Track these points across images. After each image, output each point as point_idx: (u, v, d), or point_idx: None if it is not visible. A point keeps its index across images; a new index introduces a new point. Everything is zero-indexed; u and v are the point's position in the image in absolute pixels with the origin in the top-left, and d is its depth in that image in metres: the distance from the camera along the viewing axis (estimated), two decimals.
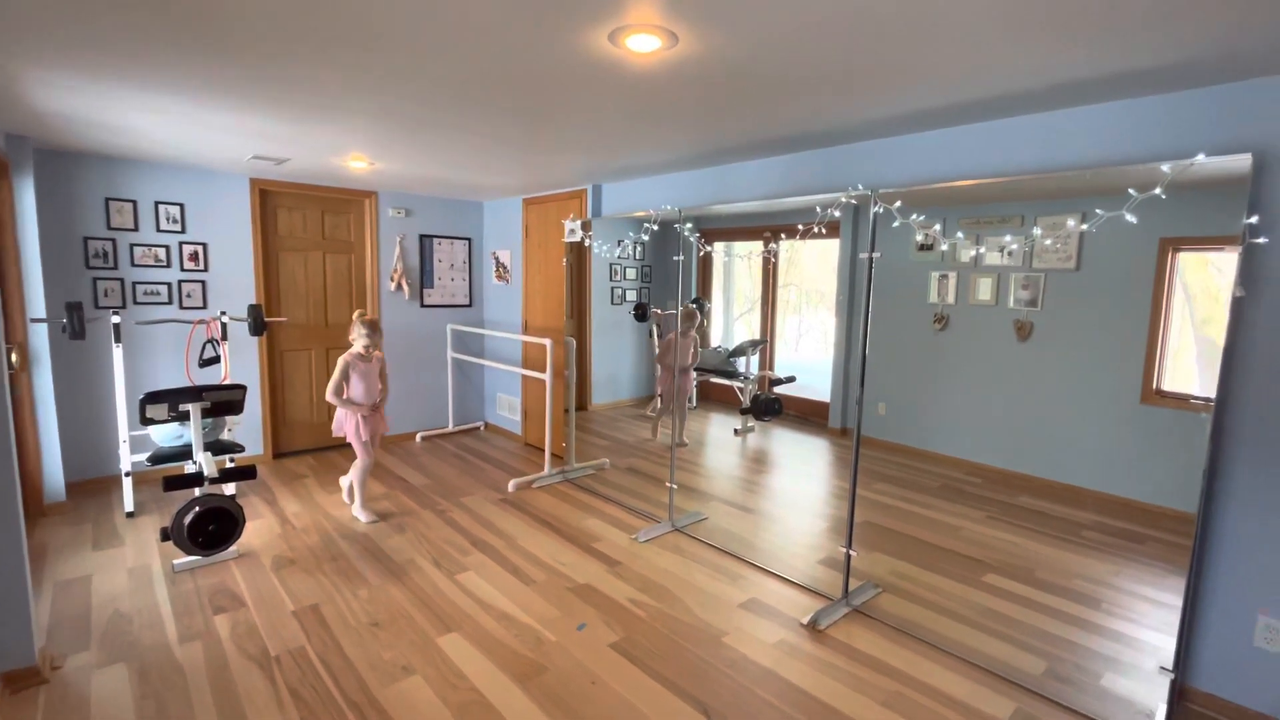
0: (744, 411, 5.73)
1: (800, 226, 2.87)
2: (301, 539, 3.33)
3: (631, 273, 5.40)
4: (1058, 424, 4.17)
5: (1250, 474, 2.00)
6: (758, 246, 5.30)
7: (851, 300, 5.29)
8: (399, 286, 5.10)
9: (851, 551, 2.76)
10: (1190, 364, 3.48)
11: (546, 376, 4.25)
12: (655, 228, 3.55)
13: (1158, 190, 1.85)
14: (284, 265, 4.63)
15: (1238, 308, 1.86)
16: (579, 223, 4.07)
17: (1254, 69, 1.86)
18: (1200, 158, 1.78)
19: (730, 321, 6.83)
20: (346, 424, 3.48)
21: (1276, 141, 1.84)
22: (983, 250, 4.57)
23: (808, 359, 6.03)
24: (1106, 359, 4.04)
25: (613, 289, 5.36)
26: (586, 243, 4.08)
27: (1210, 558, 2.06)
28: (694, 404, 6.01)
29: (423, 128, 2.83)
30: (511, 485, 4.14)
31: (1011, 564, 3.28)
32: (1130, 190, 1.90)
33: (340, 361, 3.39)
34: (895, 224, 2.45)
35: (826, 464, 4.92)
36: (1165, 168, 1.84)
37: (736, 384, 5.76)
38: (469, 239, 5.54)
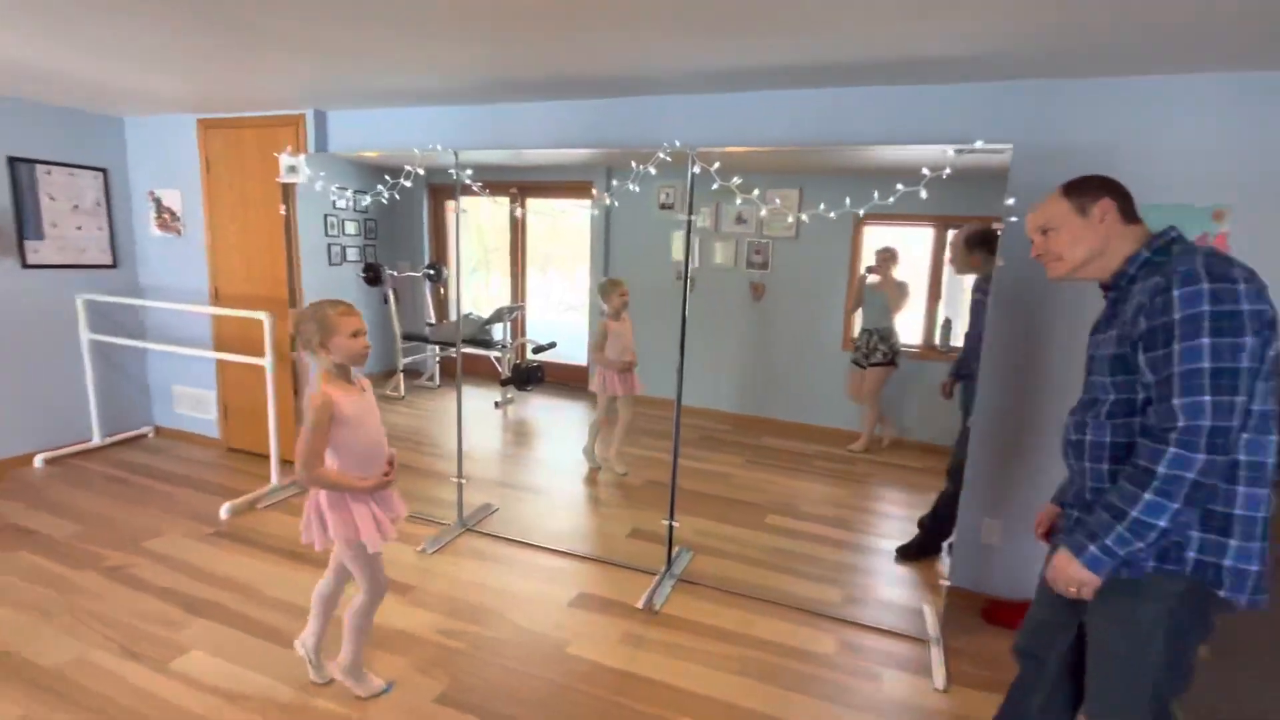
0: (505, 382, 5.33)
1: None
2: None
3: (352, 227, 4.46)
4: (786, 371, 4.80)
5: (988, 414, 2.48)
6: (503, 203, 4.87)
7: (607, 262, 5.26)
8: None
9: (674, 523, 2.72)
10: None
11: (266, 361, 3.24)
12: (420, 172, 2.88)
13: (941, 171, 2.08)
14: None
15: (998, 275, 2.23)
16: (300, 159, 3.11)
17: (1017, 71, 2.21)
18: (979, 144, 2.04)
19: (475, 285, 6.26)
20: None
21: (1031, 136, 2.23)
22: (738, 209, 4.94)
23: (561, 323, 5.88)
24: (819, 313, 4.78)
25: (329, 246, 4.36)
26: (319, 187, 3.15)
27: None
28: (436, 382, 5.39)
29: None
30: (224, 510, 3.09)
31: (780, 502, 3.67)
32: (924, 170, 2.11)
33: None
34: (714, 186, 2.36)
35: (587, 428, 4.87)
36: (950, 151, 2.08)
37: (494, 353, 5.32)
38: (103, 170, 3.86)
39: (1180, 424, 1.06)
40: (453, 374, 6.19)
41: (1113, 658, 1.24)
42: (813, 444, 4.50)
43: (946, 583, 2.39)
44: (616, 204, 2.67)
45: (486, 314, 5.26)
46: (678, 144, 2.39)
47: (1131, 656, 1.21)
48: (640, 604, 2.49)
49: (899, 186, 2.15)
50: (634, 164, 2.45)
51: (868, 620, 2.47)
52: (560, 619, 2.39)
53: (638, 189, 2.48)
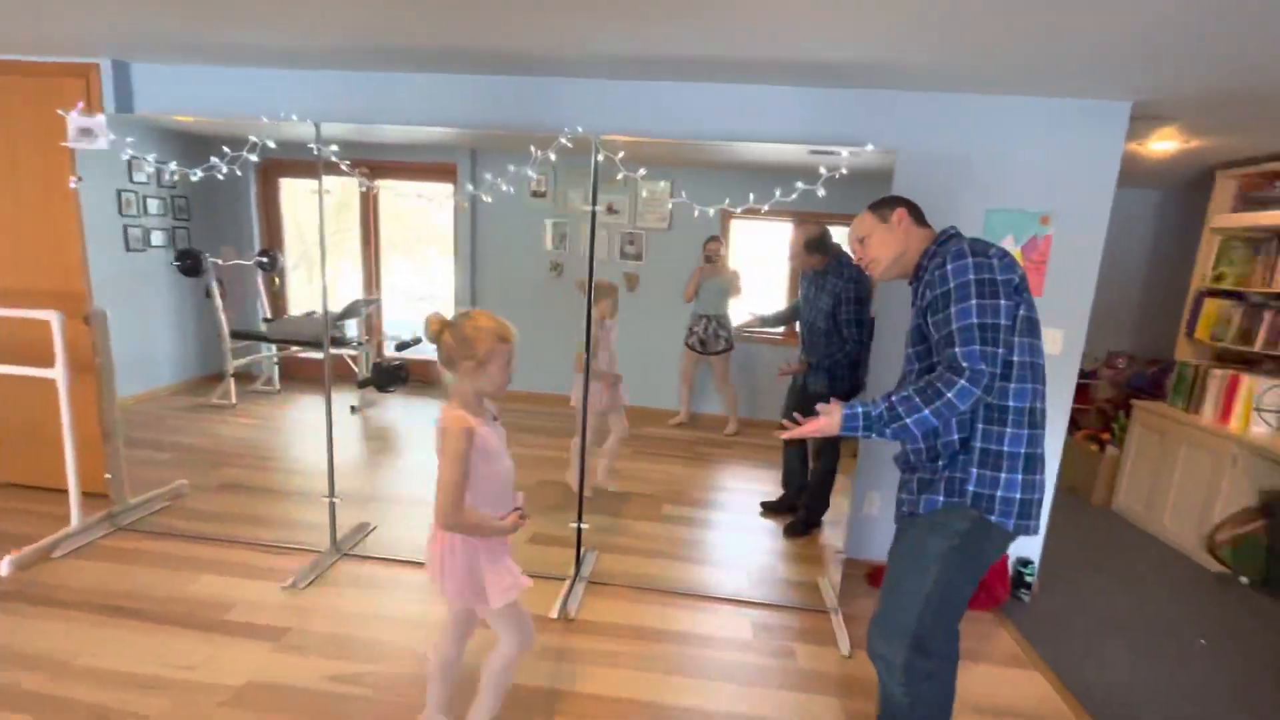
0: (363, 384, 4.83)
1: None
2: None
3: (155, 206, 3.75)
4: (661, 360, 4.89)
5: (870, 396, 2.70)
6: (351, 184, 4.38)
7: (474, 252, 4.96)
8: None
9: (583, 525, 2.62)
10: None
11: (57, 372, 2.58)
12: (271, 145, 2.45)
13: (832, 171, 2.21)
14: None
15: None
16: (99, 119, 2.49)
17: (896, 82, 2.39)
18: (870, 147, 2.19)
19: (313, 276, 5.58)
20: None
21: (910, 142, 2.42)
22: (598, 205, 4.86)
23: (419, 314, 5.45)
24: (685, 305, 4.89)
25: (126, 228, 3.61)
26: (127, 156, 2.55)
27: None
28: (276, 386, 4.78)
29: None
30: (5, 565, 2.42)
31: (673, 491, 3.72)
32: (823, 171, 2.22)
33: None
34: (619, 175, 2.29)
35: None
36: (845, 152, 2.21)
37: (348, 352, 4.78)
38: None
39: (965, 366, 1.28)
40: (295, 376, 5.51)
41: (895, 583, 1.48)
42: (692, 430, 4.64)
43: (842, 555, 2.58)
44: (494, 189, 2.47)
45: (337, 307, 4.70)
46: (580, 130, 2.28)
47: (906, 582, 1.45)
48: (554, 613, 2.37)
49: (799, 184, 2.24)
50: (533, 149, 2.29)
51: (774, 599, 2.58)
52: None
53: (535, 175, 2.33)
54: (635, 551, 2.92)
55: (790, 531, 3.13)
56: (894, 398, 1.36)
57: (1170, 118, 2.58)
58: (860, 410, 1.38)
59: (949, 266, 1.34)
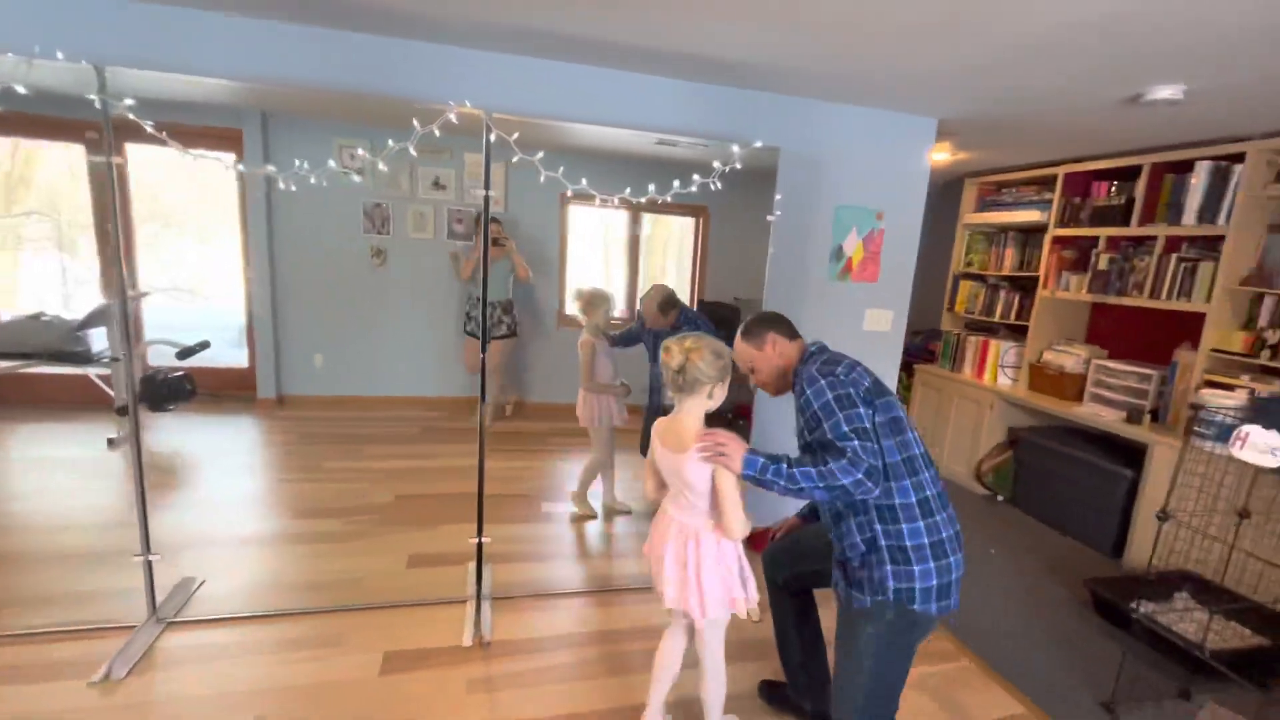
0: (121, 410, 3.85)
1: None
2: None
3: None
4: (532, 353, 4.69)
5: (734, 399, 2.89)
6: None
7: (270, 235, 4.22)
8: None
9: (486, 539, 2.41)
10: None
11: None
12: (20, 91, 1.76)
13: (725, 166, 2.31)
14: None
15: (773, 261, 2.58)
16: None
17: (777, 86, 2.55)
18: (757, 143, 2.33)
19: (29, 267, 4.30)
20: None
21: (790, 142, 2.60)
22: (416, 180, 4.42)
23: (205, 313, 4.49)
24: (530, 290, 4.70)
25: None
26: None
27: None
28: None
29: None
30: None
31: (545, 487, 3.60)
32: (717, 165, 2.30)
33: None
34: (514, 159, 2.11)
35: (276, 446, 3.95)
36: (735, 148, 2.32)
37: (94, 371, 3.75)
38: None
39: (847, 449, 1.38)
40: (17, 400, 4.25)
41: (839, 670, 1.56)
42: (546, 422, 4.53)
43: None
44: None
45: (77, 313, 3.67)
46: (468, 104, 2.05)
47: (844, 676, 1.53)
48: (468, 640, 2.16)
49: (695, 177, 2.29)
50: (415, 122, 2.00)
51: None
52: (378, 697, 1.90)
53: (415, 153, 2.03)
54: (529, 557, 2.78)
55: None
56: (790, 459, 1.43)
57: (951, 134, 3.18)
58: (760, 462, 1.43)
59: (808, 392, 1.45)
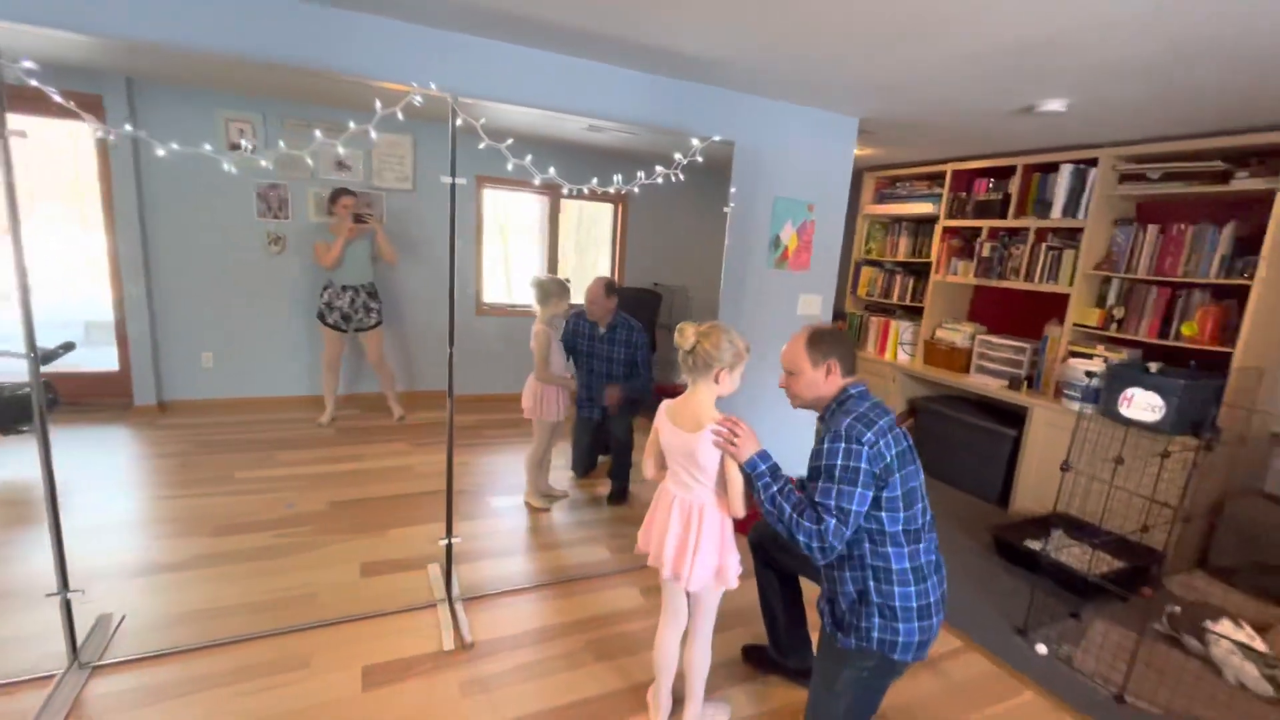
0: None
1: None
2: None
3: None
4: (418, 340, 4.50)
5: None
6: None
7: (142, 215, 3.71)
8: None
9: (454, 539, 2.33)
10: (501, 280, 4.55)
11: None
12: None
13: (685, 158, 2.38)
14: None
15: (729, 254, 2.67)
16: None
17: (729, 81, 2.62)
18: (715, 137, 2.41)
19: None
20: None
21: (745, 137, 2.69)
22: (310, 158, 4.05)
23: (65, 308, 3.87)
24: (443, 275, 4.44)
25: None
26: None
27: None
28: None
29: None
30: None
31: (491, 482, 3.50)
32: (678, 157, 2.36)
33: None
34: (481, 145, 2.03)
35: (170, 458, 3.53)
36: (695, 141, 2.39)
37: None
38: None
39: (821, 524, 1.46)
40: None
41: (816, 696, 1.68)
42: (475, 414, 4.39)
43: None
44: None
45: None
46: (433, 86, 1.94)
47: (825, 700, 1.65)
48: (449, 644, 2.09)
49: (659, 168, 2.34)
50: (377, 104, 1.86)
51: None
52: (368, 713, 1.80)
53: (375, 136, 1.89)
54: (489, 554, 2.72)
55: (613, 500, 3.30)
56: (788, 487, 1.53)
57: (865, 132, 3.46)
58: (760, 467, 1.53)
59: (827, 444, 1.48)
